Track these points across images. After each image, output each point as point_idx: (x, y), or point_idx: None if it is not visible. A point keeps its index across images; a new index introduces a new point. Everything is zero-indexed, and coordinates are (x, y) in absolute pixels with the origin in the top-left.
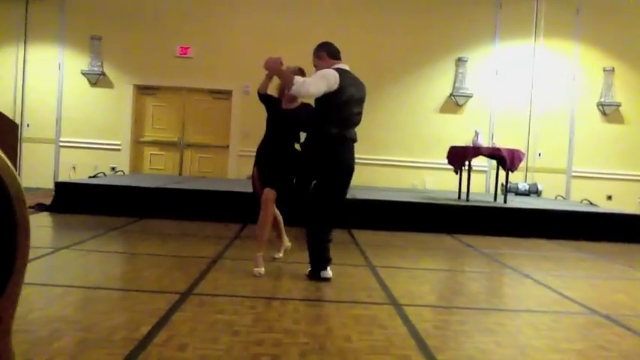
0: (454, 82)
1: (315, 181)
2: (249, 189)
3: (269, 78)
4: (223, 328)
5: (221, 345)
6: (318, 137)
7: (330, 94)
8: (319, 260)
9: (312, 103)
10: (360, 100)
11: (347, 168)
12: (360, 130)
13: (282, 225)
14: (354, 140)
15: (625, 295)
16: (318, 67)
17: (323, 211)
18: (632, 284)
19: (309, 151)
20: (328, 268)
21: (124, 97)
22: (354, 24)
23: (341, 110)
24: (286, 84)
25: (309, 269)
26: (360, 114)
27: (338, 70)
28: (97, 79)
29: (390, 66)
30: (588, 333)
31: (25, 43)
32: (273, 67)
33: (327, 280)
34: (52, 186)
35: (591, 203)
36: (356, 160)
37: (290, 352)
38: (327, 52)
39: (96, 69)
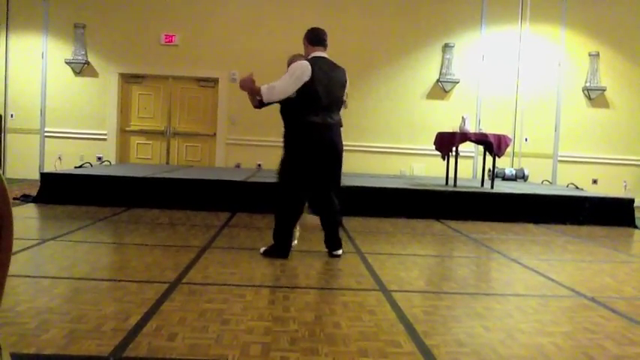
0: (441, 68)
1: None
2: (238, 177)
3: (251, 95)
4: (213, 316)
5: (211, 334)
6: (301, 126)
7: (306, 85)
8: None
9: None
10: (339, 85)
11: (334, 149)
12: (347, 117)
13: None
14: (340, 124)
15: (610, 277)
16: (304, 52)
17: (320, 198)
18: (618, 267)
19: (295, 141)
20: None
21: (109, 86)
22: (342, 10)
23: (318, 97)
24: (259, 96)
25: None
26: (340, 98)
27: (311, 59)
28: (81, 68)
29: (377, 53)
30: (575, 315)
31: (7, 31)
32: (247, 86)
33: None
34: (37, 177)
35: (577, 187)
36: (344, 147)
37: (280, 339)
38: (307, 39)
39: (80, 58)
